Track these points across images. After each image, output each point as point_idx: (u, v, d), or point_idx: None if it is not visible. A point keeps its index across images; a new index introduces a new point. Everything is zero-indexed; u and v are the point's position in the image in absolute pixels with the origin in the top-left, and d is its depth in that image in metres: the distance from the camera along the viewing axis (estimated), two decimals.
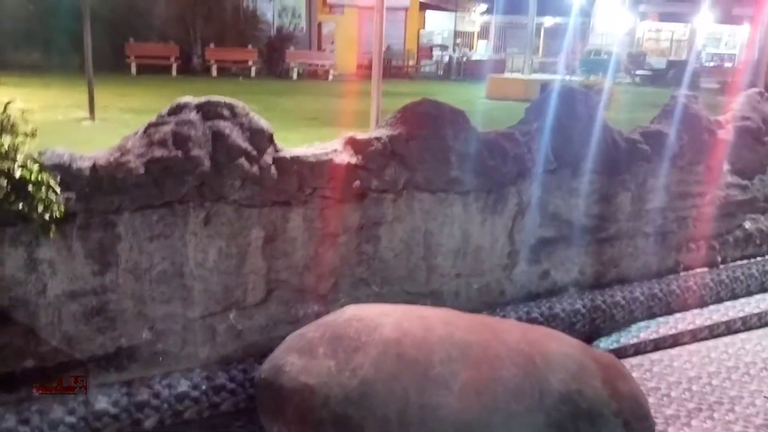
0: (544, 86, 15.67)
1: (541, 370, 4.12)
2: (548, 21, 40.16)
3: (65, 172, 4.09)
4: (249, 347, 4.92)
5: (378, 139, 5.11)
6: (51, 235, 4.01)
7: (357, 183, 5.02)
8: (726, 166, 7.50)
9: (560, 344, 4.39)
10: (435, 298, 5.58)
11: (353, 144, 5.05)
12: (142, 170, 4.24)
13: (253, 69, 24.65)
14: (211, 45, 24.48)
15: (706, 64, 35.05)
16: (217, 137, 4.45)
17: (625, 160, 6.52)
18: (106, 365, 4.40)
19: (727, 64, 36.51)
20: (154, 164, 4.26)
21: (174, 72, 22.42)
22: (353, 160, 5.01)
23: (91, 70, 11.05)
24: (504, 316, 5.77)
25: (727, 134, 7.43)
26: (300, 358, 4.16)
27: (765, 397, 5.63)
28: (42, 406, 4.16)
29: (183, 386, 4.61)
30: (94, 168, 4.17)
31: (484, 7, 39.45)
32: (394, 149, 5.17)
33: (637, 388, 4.57)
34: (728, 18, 38.79)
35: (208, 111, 4.49)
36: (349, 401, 3.92)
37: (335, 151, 4.97)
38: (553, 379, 4.11)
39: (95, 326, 4.32)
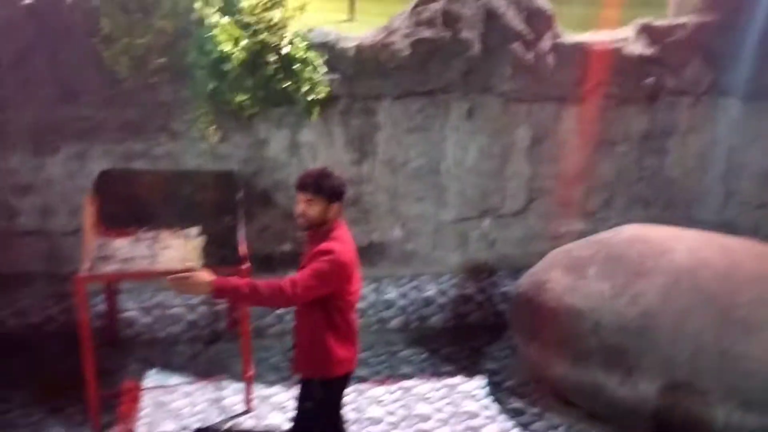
0: None
1: None
2: None
3: (331, 52, 3.87)
4: (502, 259, 4.47)
5: (681, 26, 4.17)
6: (314, 117, 3.84)
7: (649, 80, 4.16)
8: None
9: None
10: (729, 231, 4.56)
11: (649, 32, 4.18)
12: (407, 52, 3.87)
13: None
14: None
15: None
16: (491, 17, 3.90)
17: None
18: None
19: None
20: (420, 45, 3.87)
21: None
22: (647, 52, 4.15)
23: None
24: None
25: None
26: (566, 275, 3.59)
27: None
28: None
29: (431, 290, 4.33)
30: (358, 48, 3.89)
31: None
32: (701, 41, 4.18)
33: None
34: None
35: None
36: (625, 332, 3.28)
37: (626, 39, 4.14)
38: None
39: (350, 217, 4.15)
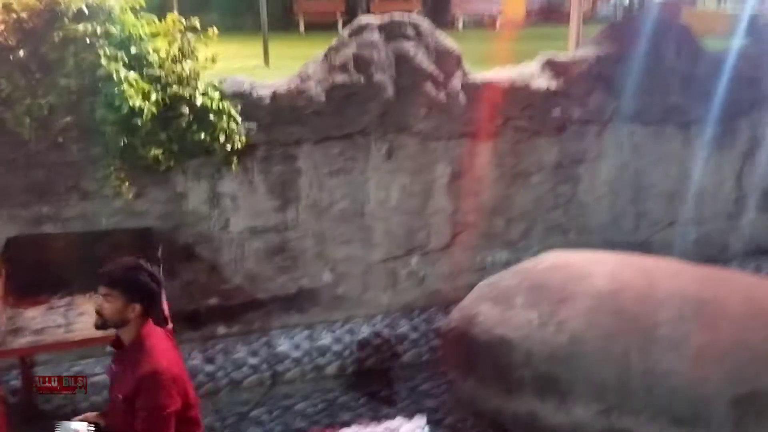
0: (754, 20, 13.56)
1: None
2: None
3: (246, 101, 3.84)
4: (432, 295, 4.50)
5: (582, 60, 4.38)
6: (233, 167, 3.78)
7: (556, 112, 4.34)
8: None
9: None
10: (643, 250, 4.77)
11: (553, 66, 4.36)
12: (323, 97, 3.89)
13: None
14: None
15: None
16: (401, 59, 3.98)
17: None
18: (287, 307, 4.18)
19: None
20: (335, 90, 3.89)
21: (340, 27, 22.52)
22: (552, 86, 4.32)
23: (265, 22, 11.16)
24: None
25: None
26: (495, 307, 3.64)
27: None
28: (226, 346, 4.04)
29: (365, 333, 4.30)
30: (274, 96, 3.88)
31: None
32: (601, 72, 4.40)
33: None
34: None
35: (390, 31, 4.02)
36: (555, 359, 3.35)
37: (532, 74, 4.31)
38: None
39: (277, 265, 4.10)
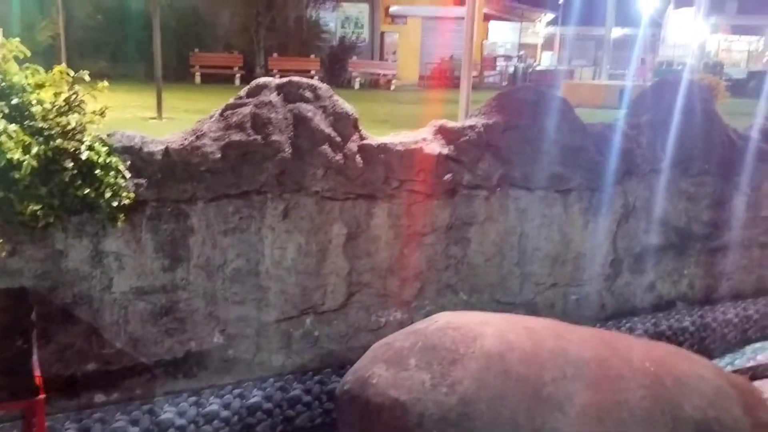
0: (622, 93, 14.85)
1: (673, 394, 3.49)
2: (616, 32, 38.91)
3: (135, 156, 3.72)
4: (326, 356, 4.45)
5: (471, 128, 4.59)
6: (119, 225, 3.62)
7: (448, 176, 4.50)
8: None
9: (692, 364, 3.75)
10: (528, 310, 4.99)
11: (444, 133, 4.55)
12: (218, 155, 3.84)
13: (316, 78, 24.47)
14: (274, 54, 24.48)
15: None
16: (299, 121, 4.02)
17: (741, 161, 5.82)
18: (173, 371, 3.98)
19: None
20: (231, 149, 3.86)
21: (237, 81, 22.45)
22: (444, 151, 4.50)
23: (159, 72, 10.95)
24: None
25: None
26: (388, 369, 3.64)
27: None
28: (104, 415, 3.77)
29: (256, 397, 4.16)
30: (166, 152, 3.79)
31: (550, 16, 38.55)
32: (489, 140, 4.64)
33: None
34: None
35: (289, 92, 4.07)
36: (447, 422, 3.38)
37: (425, 140, 4.47)
38: (688, 405, 3.47)
39: (163, 327, 3.92)
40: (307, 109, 4.06)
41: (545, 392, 3.39)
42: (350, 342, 4.45)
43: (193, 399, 4.00)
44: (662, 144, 5.39)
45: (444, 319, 3.91)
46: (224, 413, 4.06)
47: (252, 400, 4.16)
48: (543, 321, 3.99)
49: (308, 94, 4.11)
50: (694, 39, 35.64)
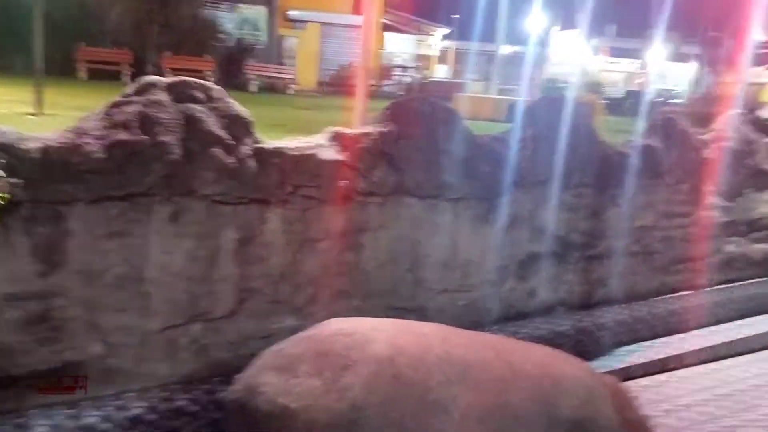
0: (511, 107, 15.51)
1: (551, 394, 3.69)
2: (508, 49, 40.63)
3: (10, 154, 3.49)
4: (215, 365, 4.34)
5: (367, 135, 4.65)
6: None
7: (343, 183, 4.53)
8: (710, 187, 7.31)
9: (569, 366, 3.97)
10: (419, 315, 5.10)
11: (340, 139, 4.58)
12: (101, 155, 3.66)
13: (211, 80, 23.87)
14: (168, 53, 23.66)
15: (657, 99, 35.89)
16: (190, 122, 3.91)
17: (616, 175, 6.24)
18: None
19: (675, 99, 37.51)
20: (115, 148, 3.69)
21: (127, 79, 21.53)
22: (340, 157, 4.53)
23: (39, 64, 10.31)
24: None
25: (711, 154, 7.26)
26: (278, 376, 3.60)
27: None
28: None
29: (138, 408, 3.99)
30: (44, 150, 3.58)
31: (445, 31, 39.69)
32: (384, 148, 4.72)
33: (645, 415, 4.19)
34: (676, 56, 40.14)
35: (180, 92, 3.96)
36: (336, 428, 3.38)
37: (320, 146, 4.48)
38: (564, 405, 3.68)
39: (37, 336, 3.68)
40: (199, 110, 3.96)
41: (431, 396, 3.48)
42: (240, 350, 4.36)
43: (70, 411, 3.78)
44: (545, 157, 5.68)
45: (336, 325, 3.92)
46: (104, 425, 3.86)
47: (134, 412, 3.97)
48: (432, 326, 4.09)
49: (200, 95, 4.02)
50: (577, 59, 37.91)
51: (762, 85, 20.78)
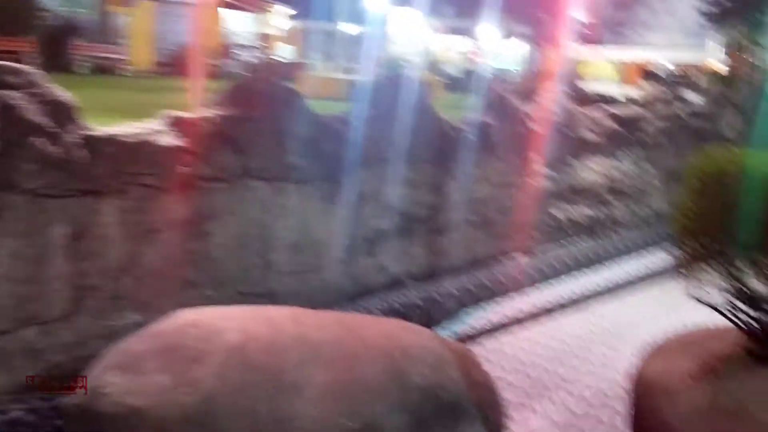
0: (354, 86, 15.66)
1: (402, 365, 3.83)
2: (352, 29, 40.86)
3: None
4: (53, 369, 4.04)
5: (207, 119, 4.51)
6: None
7: (184, 170, 4.37)
8: (538, 158, 7.90)
9: (418, 336, 4.15)
10: (272, 299, 5.07)
11: (179, 124, 4.40)
12: None
13: (31, 62, 21.82)
14: None
15: (492, 75, 37.90)
16: (5, 109, 3.57)
17: (454, 150, 6.56)
18: None
19: (509, 76, 39.87)
20: None
21: None
22: (179, 143, 4.35)
23: None
24: None
25: (539, 127, 7.83)
26: (123, 376, 3.44)
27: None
28: None
29: None
30: None
31: (288, 10, 39.12)
32: (226, 132, 4.60)
33: (490, 376, 4.48)
34: (509, 35, 42.65)
35: None
36: (189, 422, 3.30)
37: (158, 131, 4.28)
38: (415, 373, 3.84)
39: None
40: (14, 96, 3.62)
41: (286, 379, 3.49)
42: (80, 351, 4.10)
43: None
44: (387, 135, 5.84)
45: (183, 317, 3.80)
46: None
47: None
48: (284, 309, 4.09)
49: (15, 79, 3.67)
50: (416, 39, 39.08)
51: (583, 61, 22.69)
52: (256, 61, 30.53)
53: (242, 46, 34.22)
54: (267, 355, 3.55)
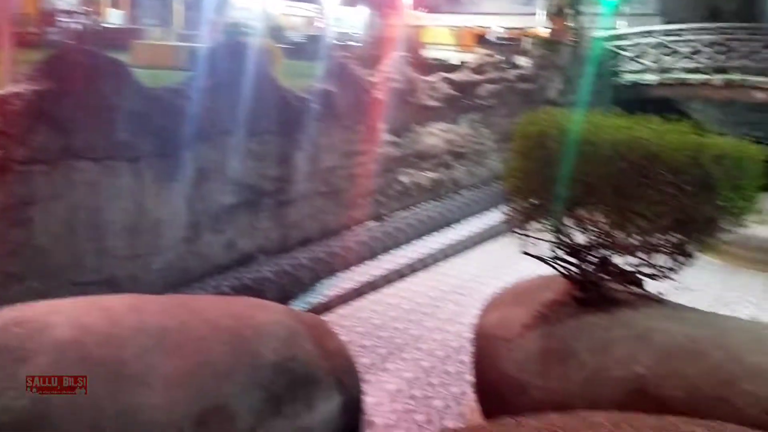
0: (191, 54, 14.90)
1: (252, 343, 3.76)
2: None
3: None
4: None
5: (18, 95, 4.08)
6: None
7: None
8: (382, 125, 8.02)
9: (267, 312, 4.08)
10: (110, 287, 4.76)
11: None
12: None
13: None
14: None
15: (335, 41, 37.76)
16: None
17: (298, 120, 6.47)
18: None
19: (352, 42, 39.93)
20: None
21: None
22: None
23: None
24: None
25: (381, 95, 7.93)
26: None
27: None
28: None
29: None
30: None
31: None
32: (43, 108, 4.19)
33: (342, 343, 4.53)
34: (351, 1, 42.71)
35: None
36: (20, 427, 3.03)
37: None
38: (265, 350, 3.78)
39: None
40: None
41: (127, 370, 3.30)
42: None
43: None
44: (227, 107, 5.63)
45: (5, 315, 3.46)
46: None
47: None
48: (122, 297, 3.85)
49: None
50: (258, 3, 37.94)
51: (421, 27, 23.16)
52: (81, 28, 28.14)
53: (67, 12, 31.40)
54: (105, 348, 3.32)
